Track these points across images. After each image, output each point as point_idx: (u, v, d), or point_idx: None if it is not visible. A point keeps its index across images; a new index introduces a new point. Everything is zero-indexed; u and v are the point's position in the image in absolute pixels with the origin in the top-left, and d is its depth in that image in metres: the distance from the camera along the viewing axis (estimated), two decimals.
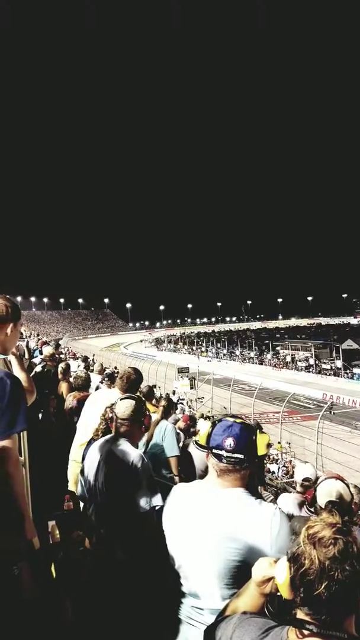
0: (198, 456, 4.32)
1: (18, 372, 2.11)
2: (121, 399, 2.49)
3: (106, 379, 6.42)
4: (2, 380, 1.80)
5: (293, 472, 16.09)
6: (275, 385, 32.61)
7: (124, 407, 2.39)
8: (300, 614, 0.98)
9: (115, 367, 21.19)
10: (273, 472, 15.68)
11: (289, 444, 18.74)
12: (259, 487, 3.46)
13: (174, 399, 20.38)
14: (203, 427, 1.67)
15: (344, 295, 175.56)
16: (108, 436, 2.45)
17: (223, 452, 1.56)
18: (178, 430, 4.46)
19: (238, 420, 1.64)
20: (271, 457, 17.97)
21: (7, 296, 2.06)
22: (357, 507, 2.71)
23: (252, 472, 2.88)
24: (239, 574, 1.45)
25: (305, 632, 0.97)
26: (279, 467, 16.12)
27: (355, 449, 15.67)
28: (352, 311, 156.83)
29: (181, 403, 20.64)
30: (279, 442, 18.64)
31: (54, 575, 2.41)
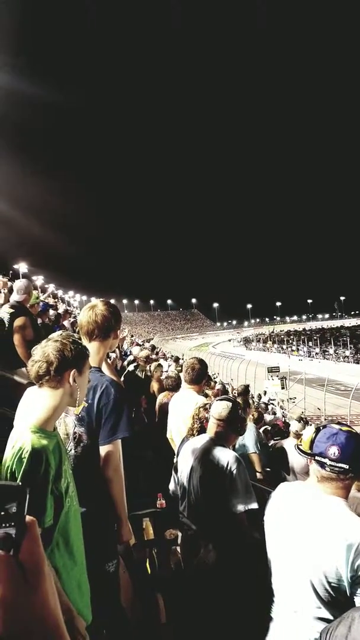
0: (295, 455, 4.18)
1: (107, 372, 2.17)
2: (218, 400, 2.47)
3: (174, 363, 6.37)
4: (107, 388, 1.87)
5: None
6: None
7: (221, 408, 2.37)
8: None
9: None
10: None
11: None
12: None
13: (265, 399, 19.99)
14: (307, 432, 1.64)
15: None
16: (203, 435, 2.45)
17: (326, 460, 1.53)
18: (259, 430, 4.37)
19: (344, 429, 1.58)
20: None
21: (109, 301, 2.15)
22: None
23: None
24: (328, 584, 1.43)
25: None
26: None
27: None
28: None
29: (272, 404, 20.23)
30: None
31: (149, 571, 2.45)
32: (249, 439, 4.01)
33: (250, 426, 4.09)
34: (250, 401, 5.51)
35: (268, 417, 11.90)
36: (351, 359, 53.22)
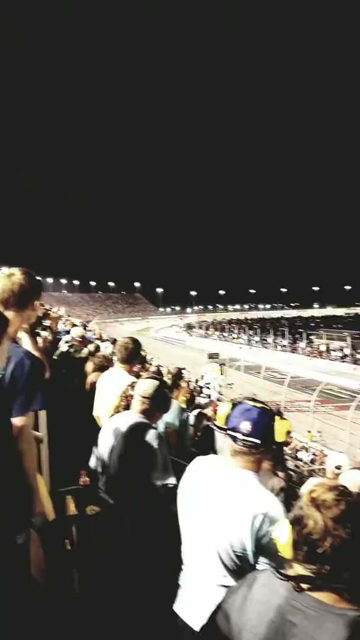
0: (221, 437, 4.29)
1: (29, 348, 2.11)
2: (144, 378, 2.49)
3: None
4: (21, 360, 1.82)
5: (322, 461, 15.92)
6: (308, 374, 31.95)
7: (146, 386, 2.39)
8: (301, 570, 1.07)
9: (143, 350, 21.37)
10: (301, 460, 15.54)
11: (320, 433, 18.45)
12: (279, 472, 3.39)
13: (201, 383, 20.42)
14: (222, 408, 1.67)
15: None
16: (126, 412, 2.46)
17: (239, 435, 1.55)
18: (182, 406, 4.41)
19: (258, 405, 1.61)
20: (301, 445, 17.83)
21: (28, 271, 2.05)
22: None
23: (272, 458, 2.87)
24: (233, 553, 1.46)
25: (304, 585, 1.06)
26: (308, 455, 15.95)
27: None
28: None
29: (207, 387, 20.70)
30: (309, 431, 18.43)
31: (68, 547, 2.44)
32: (168, 414, 3.98)
33: (174, 404, 4.09)
34: (184, 384, 5.56)
35: (203, 401, 12.18)
36: (289, 348, 55.54)
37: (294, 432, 19.65)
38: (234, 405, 1.64)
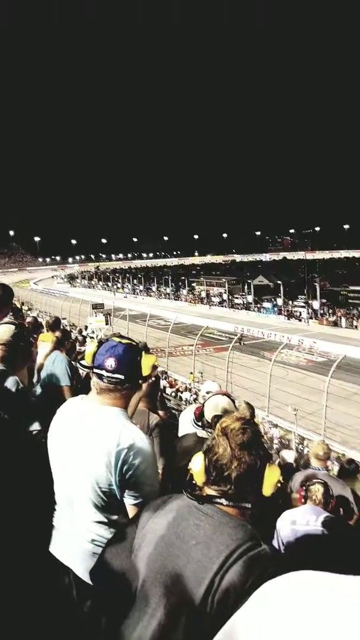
0: None
1: None
2: (1, 323, 2.33)
3: None
4: None
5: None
6: (190, 319, 33.57)
7: (2, 332, 2.24)
8: (209, 491, 1.16)
9: (23, 304, 20.20)
10: (186, 400, 16.41)
11: (201, 373, 19.59)
12: (159, 411, 3.41)
13: (85, 334, 20.14)
14: (89, 346, 1.65)
15: (257, 233, 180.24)
16: None
17: (104, 372, 1.54)
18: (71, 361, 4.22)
19: (124, 341, 1.62)
20: (184, 386, 18.79)
21: None
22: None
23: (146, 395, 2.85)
24: (99, 489, 1.48)
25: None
26: (191, 395, 16.87)
27: (262, 376, 16.76)
28: (264, 248, 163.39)
29: (90, 337, 20.54)
30: (192, 373, 19.46)
31: None
32: (58, 369, 3.83)
33: (60, 357, 3.91)
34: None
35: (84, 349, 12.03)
36: (172, 295, 57.22)
37: (178, 374, 20.68)
38: (101, 343, 1.62)
